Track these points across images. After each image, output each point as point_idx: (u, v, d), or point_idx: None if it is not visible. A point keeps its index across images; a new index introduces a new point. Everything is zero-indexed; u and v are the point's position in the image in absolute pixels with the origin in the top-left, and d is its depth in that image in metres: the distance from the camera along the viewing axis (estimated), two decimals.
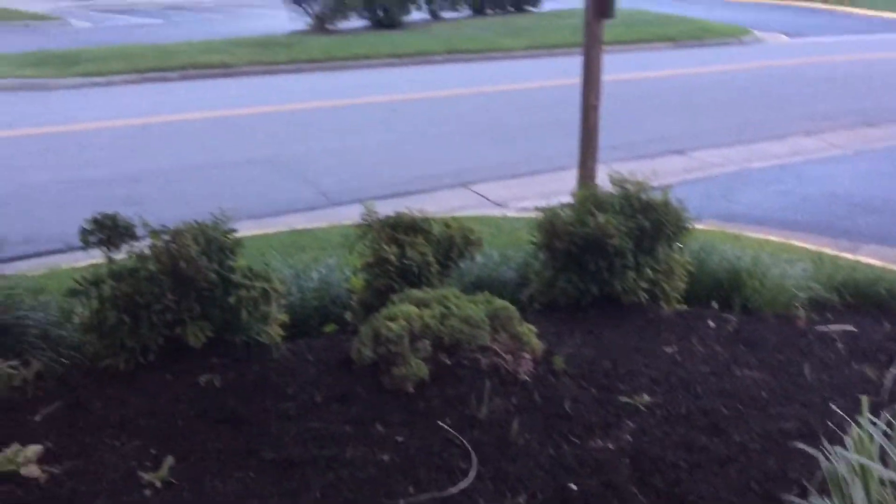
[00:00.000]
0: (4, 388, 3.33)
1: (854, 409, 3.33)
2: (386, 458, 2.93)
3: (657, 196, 4.46)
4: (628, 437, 3.11)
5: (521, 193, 8.04)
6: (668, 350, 3.87)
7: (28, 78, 13.80)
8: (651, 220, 4.31)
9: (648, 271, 4.32)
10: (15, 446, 2.95)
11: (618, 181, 4.55)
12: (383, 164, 8.98)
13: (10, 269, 5.70)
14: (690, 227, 4.47)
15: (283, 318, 3.92)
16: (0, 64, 14.54)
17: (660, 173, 8.37)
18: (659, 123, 10.93)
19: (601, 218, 4.21)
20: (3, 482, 2.79)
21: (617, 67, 13.97)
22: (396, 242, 4.03)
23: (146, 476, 2.82)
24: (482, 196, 7.97)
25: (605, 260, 4.23)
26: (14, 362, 3.43)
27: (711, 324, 4.21)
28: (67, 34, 20.51)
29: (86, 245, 3.77)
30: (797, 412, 3.33)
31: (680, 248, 4.52)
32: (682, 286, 4.47)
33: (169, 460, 2.90)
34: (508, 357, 3.55)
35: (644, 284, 4.30)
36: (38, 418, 3.22)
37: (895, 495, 2.04)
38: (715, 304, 4.52)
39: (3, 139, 9.95)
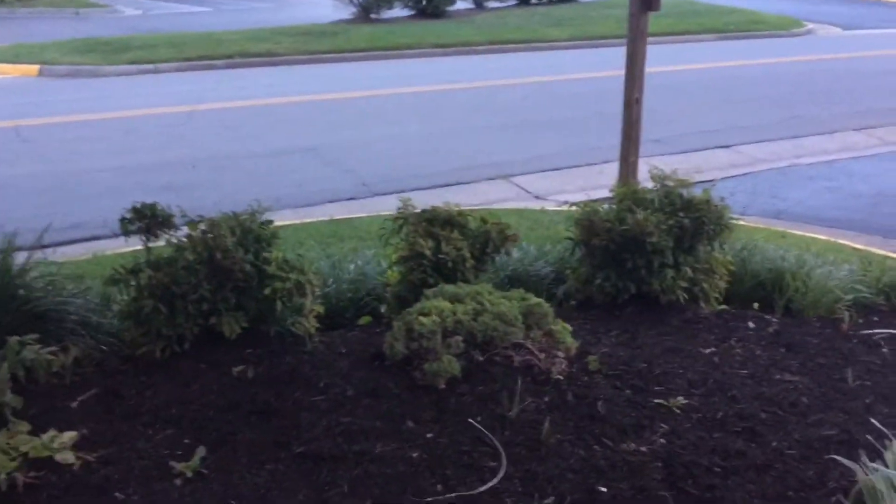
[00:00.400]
0: (44, 373, 3.38)
1: None
2: (415, 454, 2.92)
3: (699, 193, 4.38)
4: (662, 440, 3.06)
5: (562, 186, 7.96)
6: (706, 351, 3.79)
7: (78, 65, 14.05)
8: (692, 218, 4.23)
9: (688, 270, 4.24)
10: (51, 432, 3.00)
11: (658, 177, 4.48)
12: (424, 154, 8.97)
13: (57, 254, 5.80)
14: (732, 225, 4.37)
15: (319, 309, 3.93)
16: (50, 51, 14.83)
17: (704, 168, 8.28)
18: (705, 117, 10.75)
19: (640, 215, 4.14)
20: (37, 468, 2.83)
21: (662, 59, 13.75)
22: (432, 236, 4.01)
23: (178, 466, 2.85)
24: (522, 188, 7.92)
25: (643, 258, 4.17)
26: (54, 348, 3.48)
27: (752, 325, 4.12)
28: (117, 21, 20.86)
29: (126, 234, 3.82)
30: (838, 419, 3.24)
31: (721, 246, 4.43)
32: (722, 286, 4.38)
33: (200, 450, 2.92)
34: (542, 355, 3.51)
35: (683, 283, 4.22)
36: (74, 405, 3.28)
37: None
38: (756, 306, 4.42)
39: (52, 125, 10.14)
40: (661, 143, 9.31)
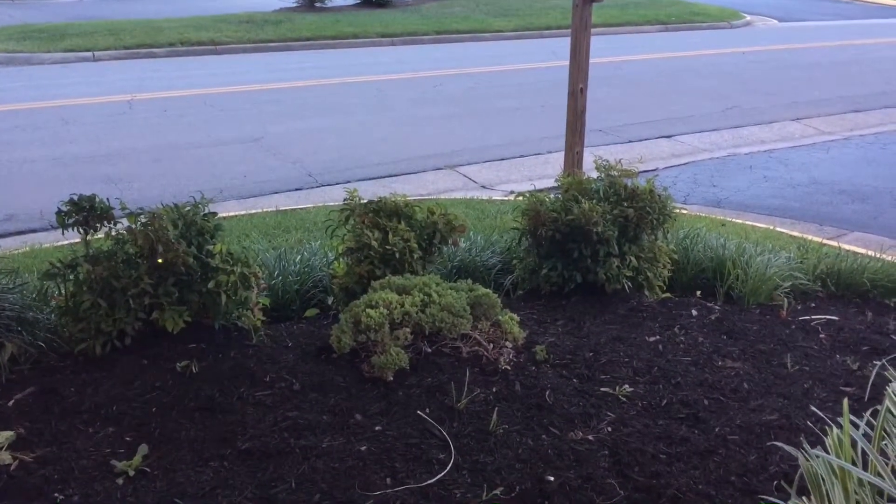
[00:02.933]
0: None
1: (835, 401, 3.34)
2: (363, 448, 2.90)
3: (643, 183, 4.43)
4: (608, 428, 3.09)
5: (508, 176, 8.00)
6: (651, 339, 3.85)
7: (12, 52, 13.62)
8: (636, 208, 4.28)
9: (633, 259, 4.30)
10: None
11: (603, 168, 4.52)
12: (371, 144, 8.92)
13: None
14: (675, 215, 4.44)
15: (265, 302, 3.88)
16: None
17: (647, 158, 8.41)
18: (647, 107, 10.89)
19: (585, 205, 4.17)
20: None
21: (606, 50, 13.90)
22: (379, 227, 3.98)
23: (119, 464, 2.78)
24: (469, 178, 7.93)
25: (588, 247, 4.20)
26: None
27: (694, 313, 4.19)
28: (53, 8, 20.26)
29: (62, 227, 3.71)
30: (778, 404, 3.31)
31: (665, 235, 4.49)
32: (666, 274, 4.45)
33: (143, 448, 2.86)
34: (490, 346, 3.52)
35: (628, 272, 4.27)
36: (10, 403, 3.18)
37: (874, 496, 2.02)
38: (699, 293, 4.50)
39: None
40: (606, 132, 9.43)
